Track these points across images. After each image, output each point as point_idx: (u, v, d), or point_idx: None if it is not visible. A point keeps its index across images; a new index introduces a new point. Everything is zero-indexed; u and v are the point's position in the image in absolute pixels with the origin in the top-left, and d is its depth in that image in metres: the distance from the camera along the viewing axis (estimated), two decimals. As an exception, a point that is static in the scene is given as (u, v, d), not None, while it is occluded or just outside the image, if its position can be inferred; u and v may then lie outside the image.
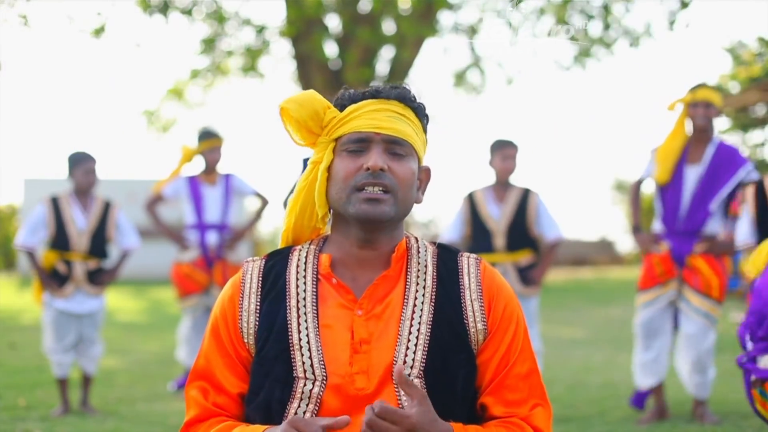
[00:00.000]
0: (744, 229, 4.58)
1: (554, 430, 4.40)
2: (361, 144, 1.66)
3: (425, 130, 1.75)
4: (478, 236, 5.05)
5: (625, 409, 5.04)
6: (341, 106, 1.71)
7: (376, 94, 1.69)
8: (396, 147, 1.66)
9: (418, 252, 1.72)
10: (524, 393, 1.67)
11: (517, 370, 1.67)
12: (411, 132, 1.68)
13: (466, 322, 1.66)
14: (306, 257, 1.72)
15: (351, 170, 1.65)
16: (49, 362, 5.51)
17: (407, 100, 1.70)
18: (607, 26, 12.46)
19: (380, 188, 1.63)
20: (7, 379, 6.26)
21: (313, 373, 1.61)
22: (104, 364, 6.44)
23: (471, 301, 1.68)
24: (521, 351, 1.69)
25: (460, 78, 14.52)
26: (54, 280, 5.19)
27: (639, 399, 4.80)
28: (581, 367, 6.79)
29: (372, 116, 1.66)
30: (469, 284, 1.69)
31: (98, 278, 5.30)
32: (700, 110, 4.59)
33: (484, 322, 1.67)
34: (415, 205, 1.73)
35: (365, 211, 1.63)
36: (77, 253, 5.24)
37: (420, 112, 1.73)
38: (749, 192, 4.57)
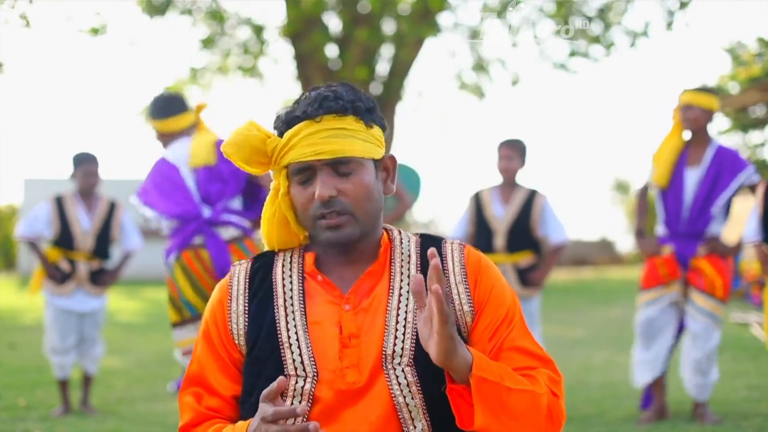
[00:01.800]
0: (752, 227, 4.58)
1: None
2: (306, 173, 1.64)
3: (372, 124, 1.68)
4: (481, 235, 5.04)
5: (625, 409, 5.04)
6: (280, 132, 1.68)
7: (305, 116, 1.63)
8: (341, 167, 1.62)
9: (401, 243, 1.73)
10: (525, 363, 1.64)
11: (510, 344, 1.65)
12: (353, 144, 1.62)
13: (452, 306, 1.66)
14: (291, 257, 1.73)
15: (305, 200, 1.64)
16: (49, 362, 5.51)
17: (339, 110, 1.63)
18: (607, 26, 12.46)
19: (336, 213, 1.62)
20: (7, 379, 6.27)
21: (304, 370, 1.61)
22: (104, 364, 6.45)
23: (456, 284, 1.67)
24: (516, 326, 1.67)
25: (461, 80, 14.52)
26: (57, 271, 5.20)
27: (648, 400, 4.79)
28: (581, 367, 6.79)
29: (308, 142, 1.61)
30: (453, 268, 1.69)
31: (100, 278, 5.31)
32: (682, 114, 4.60)
33: (470, 303, 1.66)
34: (390, 196, 1.73)
35: (331, 238, 1.64)
36: (81, 252, 5.25)
37: (358, 112, 1.65)
38: (759, 191, 4.57)
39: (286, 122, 1.67)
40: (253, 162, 1.69)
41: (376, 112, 1.71)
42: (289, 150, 1.64)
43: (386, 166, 1.74)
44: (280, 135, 1.67)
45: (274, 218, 1.72)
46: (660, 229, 4.78)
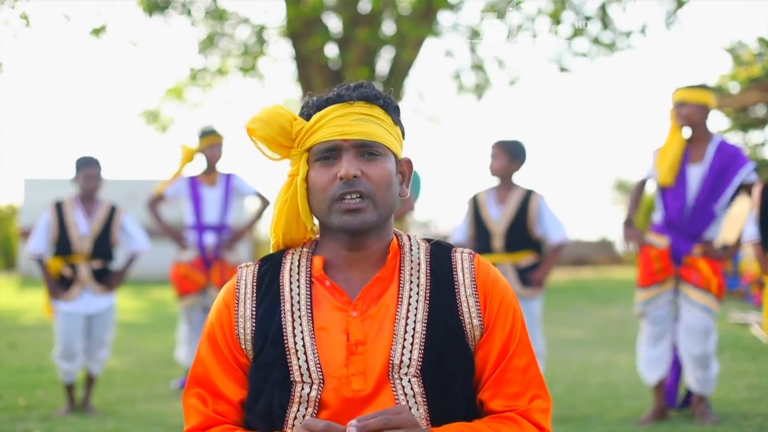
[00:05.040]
0: (751, 227, 4.59)
1: (554, 430, 4.41)
2: (331, 152, 1.63)
3: (397, 123, 1.72)
4: (479, 237, 5.04)
5: (625, 409, 5.04)
6: (307, 116, 1.69)
7: (339, 99, 1.65)
8: (367, 149, 1.63)
9: (411, 250, 1.71)
10: (522, 385, 1.65)
11: (516, 364, 1.66)
12: (380, 131, 1.65)
13: (461, 318, 1.65)
14: (299, 260, 1.71)
15: (326, 181, 1.63)
16: (49, 362, 5.52)
17: (371, 98, 1.66)
18: (605, 27, 12.45)
19: (357, 196, 1.61)
20: (7, 379, 6.27)
21: (310, 377, 1.60)
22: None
23: (466, 297, 1.66)
24: (519, 344, 1.67)
25: (459, 79, 14.51)
26: (60, 286, 5.21)
27: (671, 396, 4.81)
28: (581, 367, 6.79)
29: (338, 123, 1.63)
30: (464, 280, 1.68)
31: (104, 278, 5.31)
32: (677, 111, 4.59)
33: (479, 317, 1.65)
34: (401, 199, 1.72)
35: (347, 222, 1.62)
36: (79, 255, 5.25)
37: (388, 107, 1.69)
38: (755, 192, 4.56)
39: (316, 106, 1.68)
40: (275, 143, 1.68)
41: (400, 115, 1.73)
42: (316, 131, 1.65)
43: (403, 168, 1.74)
44: (308, 120, 1.68)
45: (285, 205, 1.70)
46: (657, 220, 4.77)
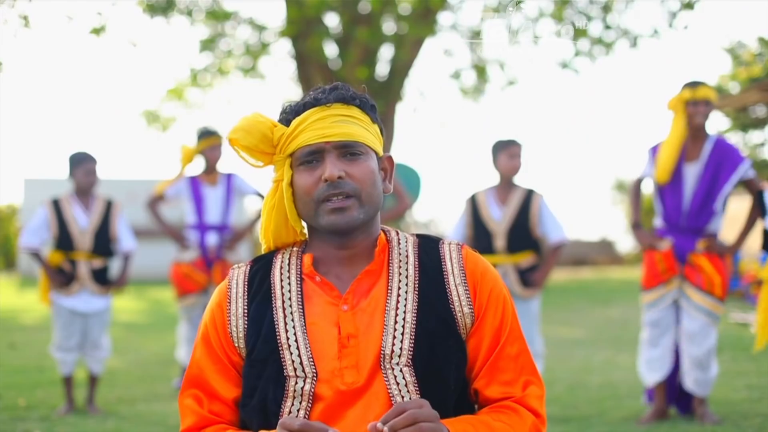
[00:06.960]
0: None
1: (554, 430, 4.41)
2: (314, 155, 1.66)
3: (375, 121, 1.75)
4: (480, 238, 5.03)
5: (625, 409, 5.04)
6: (286, 121, 1.70)
7: (316, 102, 1.68)
8: (349, 150, 1.66)
9: (399, 244, 1.74)
10: (515, 372, 1.68)
11: (508, 351, 1.68)
12: (360, 131, 1.68)
13: (452, 307, 1.67)
14: (289, 259, 1.74)
15: (311, 184, 1.65)
16: (49, 362, 5.53)
17: (348, 99, 1.69)
18: (606, 27, 12.45)
19: (343, 196, 1.64)
20: (7, 379, 6.27)
21: (303, 371, 1.62)
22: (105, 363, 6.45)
23: (455, 286, 1.69)
24: (510, 332, 1.70)
25: (460, 80, 14.51)
26: (61, 277, 5.22)
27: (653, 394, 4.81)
28: (581, 367, 6.79)
29: (318, 125, 1.66)
30: (452, 270, 1.70)
31: (103, 278, 5.32)
32: (701, 108, 4.56)
33: (470, 306, 1.68)
34: (385, 194, 1.75)
35: (334, 221, 1.65)
36: (81, 252, 5.27)
37: (364, 107, 1.72)
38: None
39: (294, 111, 1.70)
40: (258, 151, 1.70)
41: (377, 112, 1.76)
42: (297, 135, 1.67)
43: (384, 165, 1.77)
44: (287, 125, 1.70)
45: (273, 211, 1.73)
46: (658, 223, 4.78)
